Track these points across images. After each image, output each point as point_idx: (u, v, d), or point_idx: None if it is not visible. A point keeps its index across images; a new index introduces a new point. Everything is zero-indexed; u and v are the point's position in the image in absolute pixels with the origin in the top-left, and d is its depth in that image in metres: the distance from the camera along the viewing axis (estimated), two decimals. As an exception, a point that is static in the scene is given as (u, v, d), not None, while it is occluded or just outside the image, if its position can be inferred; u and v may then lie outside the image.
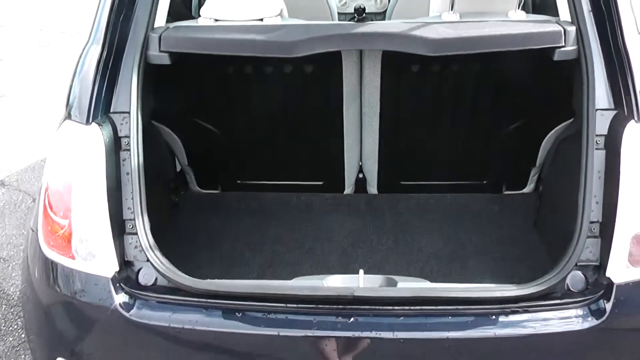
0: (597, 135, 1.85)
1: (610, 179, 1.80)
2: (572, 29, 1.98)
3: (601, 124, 1.86)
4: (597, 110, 1.88)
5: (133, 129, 1.90)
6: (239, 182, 2.71)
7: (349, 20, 4.26)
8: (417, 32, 1.97)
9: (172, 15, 2.29)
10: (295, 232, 2.56)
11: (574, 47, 1.98)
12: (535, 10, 2.36)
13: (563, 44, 1.97)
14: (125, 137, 1.90)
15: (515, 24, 2.03)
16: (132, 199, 1.86)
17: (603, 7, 1.97)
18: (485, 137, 2.47)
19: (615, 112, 1.87)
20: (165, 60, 2.04)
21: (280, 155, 2.59)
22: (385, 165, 2.56)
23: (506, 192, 2.69)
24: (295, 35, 2.00)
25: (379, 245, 2.47)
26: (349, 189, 2.68)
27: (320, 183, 2.68)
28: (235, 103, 2.42)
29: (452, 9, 2.09)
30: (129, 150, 1.88)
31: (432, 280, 2.15)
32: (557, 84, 2.24)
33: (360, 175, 2.66)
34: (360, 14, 4.19)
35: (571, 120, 2.29)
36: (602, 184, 1.82)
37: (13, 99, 5.54)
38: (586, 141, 1.87)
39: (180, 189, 2.73)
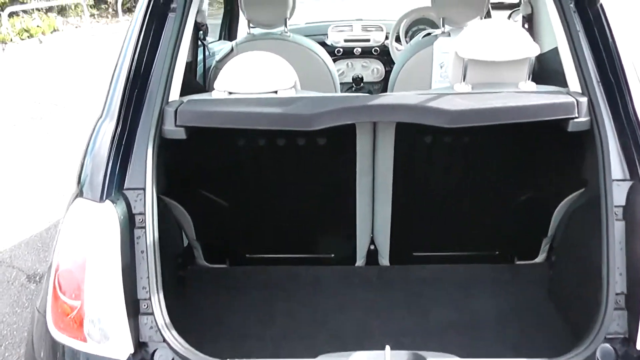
0: (615, 207, 1.85)
1: (632, 250, 1.79)
2: (584, 100, 1.99)
3: (618, 195, 1.87)
4: (613, 181, 1.89)
5: (148, 205, 1.87)
6: (247, 256, 2.65)
7: (347, 90, 4.35)
8: (433, 104, 1.97)
9: (184, 89, 2.29)
10: (306, 306, 2.49)
11: (587, 118, 1.99)
12: (542, 81, 2.39)
13: (576, 115, 1.98)
14: (140, 214, 1.85)
15: (528, 95, 2.03)
16: (148, 277, 1.80)
17: (611, 77, 2.00)
18: (497, 208, 2.45)
19: (631, 182, 1.87)
20: (181, 134, 2.02)
21: (290, 228, 2.54)
22: (397, 236, 2.52)
23: (518, 262, 2.65)
24: (313, 107, 1.99)
25: (393, 316, 2.41)
26: (360, 261, 2.63)
27: (331, 255, 2.63)
28: (246, 176, 2.39)
29: (464, 80, 2.10)
30: (143, 227, 1.84)
31: (454, 353, 2.09)
32: (567, 155, 2.24)
33: (372, 247, 2.61)
34: (358, 84, 4.29)
35: (582, 190, 2.28)
36: (624, 255, 1.81)
37: (3, 171, 5.50)
38: (605, 213, 1.87)
39: (187, 264, 2.66)
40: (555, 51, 2.48)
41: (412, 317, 2.39)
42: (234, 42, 3.24)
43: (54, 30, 15.31)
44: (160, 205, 2.30)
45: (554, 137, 2.13)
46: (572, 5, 2.11)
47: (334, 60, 4.29)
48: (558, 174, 2.33)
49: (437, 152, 2.27)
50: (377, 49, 4.31)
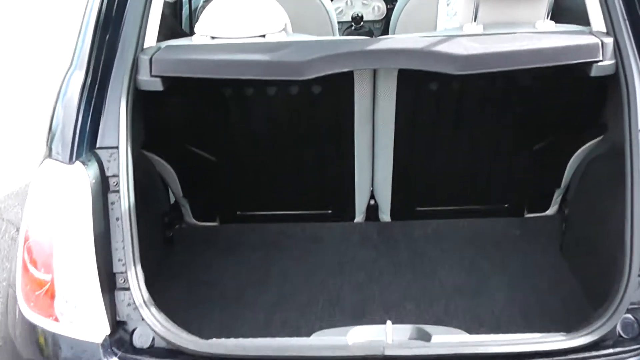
0: None
1: None
2: (609, 41, 1.77)
3: None
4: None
5: (123, 166, 1.68)
6: (239, 213, 2.48)
7: (346, 29, 4.09)
8: (440, 48, 1.76)
9: (163, 33, 2.07)
10: (302, 267, 2.34)
11: (612, 61, 1.78)
12: (563, 19, 2.16)
13: (601, 58, 1.77)
14: (114, 176, 1.67)
15: (547, 36, 1.82)
16: (124, 248, 1.63)
17: None
18: (508, 158, 2.27)
19: None
20: (157, 86, 1.82)
21: (284, 183, 2.37)
22: (399, 190, 2.34)
23: (528, 215, 2.48)
24: (305, 54, 1.78)
25: (396, 279, 2.25)
26: (359, 217, 2.46)
27: (329, 211, 2.46)
28: (234, 128, 2.20)
29: (475, 20, 1.88)
30: (118, 191, 1.66)
31: (460, 321, 1.94)
32: (587, 99, 2.04)
33: (372, 202, 2.44)
34: (358, 22, 4.01)
35: (601, 137, 2.09)
36: None
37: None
38: (630, 167, 1.68)
39: (175, 223, 2.50)
40: None
41: (416, 280, 2.23)
42: None
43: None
44: (143, 161, 2.13)
45: (573, 81, 1.92)
46: None
47: None
48: (575, 119, 2.13)
49: (444, 100, 2.07)
50: None
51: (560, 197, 2.41)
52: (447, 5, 2.75)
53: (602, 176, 2.05)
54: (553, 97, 2.05)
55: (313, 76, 1.77)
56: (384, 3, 4.03)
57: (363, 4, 4.05)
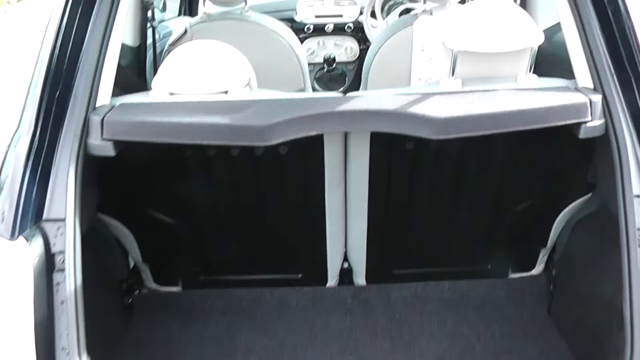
0: (638, 229, 1.52)
1: None
2: (597, 99, 1.63)
3: None
4: (635, 197, 1.55)
5: (70, 241, 1.51)
6: (202, 277, 2.29)
7: (318, 71, 3.95)
8: (416, 109, 1.61)
9: (121, 85, 1.90)
10: (270, 337, 2.15)
11: (601, 121, 1.64)
12: (545, 69, 2.02)
13: (589, 118, 1.63)
14: (60, 252, 1.50)
15: (531, 94, 1.67)
16: (68, 335, 1.45)
17: (628, 67, 1.65)
18: (490, 218, 2.11)
19: None
20: (109, 150, 1.65)
21: (249, 246, 2.19)
22: (374, 252, 2.17)
23: (512, 276, 2.33)
24: (269, 116, 1.62)
25: (372, 350, 2.08)
26: (332, 280, 2.29)
27: (299, 276, 2.28)
28: (195, 190, 2.01)
29: (452, 74, 1.74)
30: (64, 270, 1.48)
31: None
32: (572, 158, 1.90)
33: (346, 265, 2.27)
34: (330, 64, 3.87)
35: (589, 195, 1.95)
36: None
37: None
38: (625, 236, 1.55)
39: (135, 288, 2.30)
40: (557, 28, 2.12)
41: (395, 351, 2.06)
42: (188, 23, 2.82)
43: None
44: (99, 225, 1.96)
45: (559, 141, 1.79)
46: None
47: (304, 39, 3.89)
48: (561, 178, 1.99)
49: (420, 160, 1.91)
50: (351, 25, 3.89)
51: (546, 256, 2.26)
52: (422, 50, 2.62)
53: (592, 237, 1.91)
54: (537, 156, 1.91)
55: (278, 141, 1.61)
56: (357, 44, 3.91)
57: (335, 44, 3.92)
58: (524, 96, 1.67)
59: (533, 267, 2.30)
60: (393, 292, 2.29)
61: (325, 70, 3.88)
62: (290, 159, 1.85)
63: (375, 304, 2.26)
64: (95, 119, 1.63)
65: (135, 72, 2.66)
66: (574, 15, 1.74)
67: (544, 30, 2.49)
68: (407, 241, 2.17)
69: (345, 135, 1.83)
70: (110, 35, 1.77)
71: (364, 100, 1.69)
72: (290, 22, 3.90)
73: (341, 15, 3.91)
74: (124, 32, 2.52)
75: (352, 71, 3.90)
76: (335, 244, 2.15)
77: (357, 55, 3.89)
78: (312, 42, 3.90)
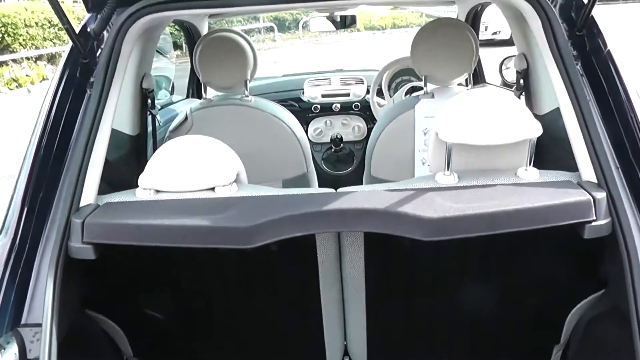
0: None
1: None
2: (601, 197, 1.55)
3: None
4: None
5: (45, 347, 1.44)
6: None
7: (326, 151, 3.91)
8: (409, 209, 1.52)
9: (109, 182, 1.87)
10: None
11: (607, 220, 1.55)
12: (543, 148, 1.93)
13: (594, 217, 1.54)
14: (35, 359, 1.43)
15: (531, 190, 1.58)
16: None
17: (633, 160, 1.57)
18: (497, 313, 2.00)
19: None
20: (89, 254, 1.59)
21: (243, 343, 2.09)
22: (376, 345, 2.06)
23: None
24: (254, 216, 1.55)
25: None
26: None
27: None
28: (184, 287, 1.94)
29: (447, 168, 1.66)
30: None
31: None
32: (580, 256, 1.80)
33: (347, 359, 2.15)
34: (337, 144, 3.83)
35: (602, 292, 1.83)
36: None
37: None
38: None
39: None
40: (557, 113, 2.06)
41: None
42: (188, 109, 2.81)
43: (43, 79, 15.07)
44: (87, 322, 1.88)
45: (564, 239, 1.69)
46: (578, 67, 1.70)
47: (311, 118, 3.88)
48: (571, 276, 1.88)
49: (418, 259, 1.81)
50: (358, 104, 3.88)
51: (560, 352, 2.12)
52: (424, 134, 2.57)
53: (606, 338, 1.78)
54: (542, 254, 1.80)
55: (263, 243, 1.53)
56: (364, 123, 3.89)
57: (343, 124, 3.90)
58: (523, 193, 1.57)
59: None
60: None
61: (332, 150, 3.85)
62: (281, 256, 1.77)
63: None
64: (76, 222, 1.59)
65: (135, 162, 2.63)
66: (573, 104, 1.68)
67: (544, 115, 2.45)
68: (409, 333, 2.05)
69: (339, 235, 1.75)
70: (98, 130, 1.75)
71: (354, 198, 1.61)
72: (297, 101, 3.91)
73: (348, 94, 3.90)
74: (122, 121, 2.53)
75: (359, 151, 3.86)
76: (334, 339, 2.04)
77: (365, 134, 3.86)
78: (320, 122, 3.89)
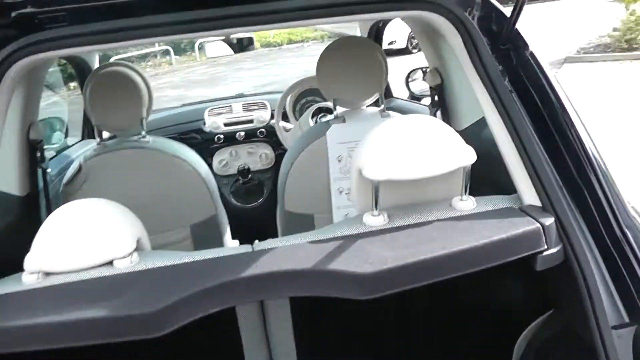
0: None
1: None
2: (549, 222, 1.38)
3: (622, 348, 1.30)
4: (612, 328, 1.31)
5: None
6: None
7: (234, 183, 3.65)
8: (337, 264, 1.29)
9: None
10: None
11: (559, 247, 1.38)
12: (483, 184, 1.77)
13: (545, 247, 1.37)
14: None
15: (473, 224, 1.39)
16: None
17: (578, 178, 1.42)
18: (443, 354, 1.81)
19: (635, 326, 1.32)
20: None
21: None
22: None
23: None
24: (161, 294, 1.28)
25: None
26: None
27: None
28: None
29: (376, 208, 1.46)
30: None
31: None
32: (529, 281, 1.63)
33: None
34: (245, 176, 3.57)
35: (550, 312, 1.67)
36: None
37: None
38: None
39: None
40: (477, 126, 1.90)
41: None
42: (81, 158, 2.47)
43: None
44: None
45: (514, 273, 1.52)
46: (506, 82, 1.53)
47: (215, 150, 3.61)
48: (517, 304, 1.72)
49: (354, 315, 1.59)
50: (263, 130, 3.63)
51: None
52: (339, 162, 2.37)
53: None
54: (488, 292, 1.63)
55: (172, 328, 1.26)
56: (271, 149, 3.65)
57: (249, 152, 3.65)
58: (465, 229, 1.38)
59: None
60: None
61: (240, 182, 3.59)
62: (199, 335, 1.51)
63: None
64: None
65: (28, 228, 2.27)
66: (505, 123, 1.51)
67: (464, 129, 2.30)
68: None
69: (262, 303, 1.50)
70: None
71: (275, 257, 1.36)
72: (199, 133, 3.63)
73: (252, 121, 3.66)
74: (8, 180, 2.16)
75: (269, 179, 3.62)
76: None
77: (273, 161, 3.63)
78: (224, 153, 3.62)
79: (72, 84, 4.33)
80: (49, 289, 1.36)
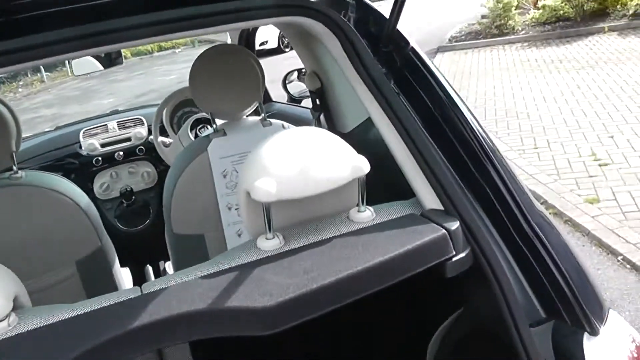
0: None
1: None
2: (456, 226, 1.33)
3: (542, 344, 1.28)
4: (530, 326, 1.29)
5: None
6: None
7: (117, 207, 3.47)
8: (238, 300, 1.20)
9: None
10: None
11: (467, 251, 1.34)
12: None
13: (453, 253, 1.32)
14: None
15: (375, 237, 1.32)
16: None
17: (477, 174, 1.40)
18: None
19: (552, 321, 1.31)
20: None
21: None
22: None
23: None
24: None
25: None
26: None
27: None
28: None
29: (270, 231, 1.37)
30: None
31: None
32: (439, 285, 1.60)
33: None
34: (128, 198, 3.40)
35: (460, 311, 1.64)
36: None
37: None
38: None
39: None
40: (362, 127, 1.86)
41: None
42: None
43: None
44: None
45: (424, 280, 1.48)
46: (392, 85, 1.49)
47: (94, 173, 3.41)
48: (427, 307, 1.69)
49: (261, 347, 1.50)
50: (142, 147, 3.46)
51: None
52: (224, 177, 2.28)
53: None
54: (397, 303, 1.59)
55: None
56: (152, 167, 3.49)
57: (130, 172, 3.47)
58: (368, 243, 1.30)
59: None
60: None
61: (125, 205, 3.41)
62: None
63: None
64: None
65: None
66: (395, 126, 1.46)
67: (350, 132, 2.27)
68: None
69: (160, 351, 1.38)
70: None
71: (167, 300, 1.24)
72: (76, 157, 3.41)
73: (129, 139, 3.47)
74: None
75: (154, 199, 3.46)
76: None
77: (156, 179, 3.47)
78: (105, 176, 3.42)
79: None
80: None
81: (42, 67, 21.28)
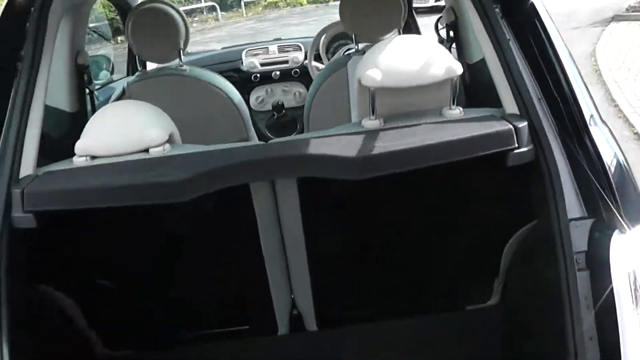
0: (576, 253, 1.51)
1: (603, 307, 1.44)
2: (523, 125, 1.63)
3: (579, 238, 1.53)
4: (570, 221, 1.54)
5: None
6: (153, 338, 2.22)
7: (269, 119, 3.95)
8: (335, 151, 1.59)
9: (52, 158, 1.88)
10: None
11: (529, 147, 1.63)
12: (476, 95, 2.01)
13: (516, 145, 1.62)
14: None
15: (455, 125, 1.67)
16: None
17: (555, 92, 1.65)
18: (437, 253, 2.08)
19: (592, 220, 1.54)
20: (30, 222, 1.64)
21: (194, 303, 2.13)
22: (321, 297, 2.12)
23: (468, 308, 2.28)
24: (186, 170, 1.60)
25: None
26: (283, 329, 2.23)
27: (247, 327, 2.22)
28: (131, 251, 1.97)
29: (373, 114, 1.72)
30: None
31: None
32: (511, 187, 1.88)
33: (295, 312, 2.21)
34: (279, 111, 3.88)
35: (534, 223, 1.92)
36: (592, 315, 1.46)
37: None
38: (564, 263, 1.53)
39: (82, 356, 2.21)
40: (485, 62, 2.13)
41: None
42: (125, 82, 2.81)
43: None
44: (36, 296, 1.90)
45: (492, 170, 1.77)
46: (497, 9, 1.76)
47: (252, 87, 3.91)
48: (503, 209, 1.97)
49: (352, 202, 1.89)
50: (297, 70, 3.92)
51: (501, 285, 2.22)
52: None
53: (536, 266, 1.88)
54: (473, 190, 1.89)
55: (193, 196, 1.59)
56: (304, 88, 3.93)
57: (283, 90, 3.94)
58: (447, 128, 1.65)
59: (489, 298, 2.26)
60: (346, 338, 2.23)
61: (275, 117, 3.88)
62: (219, 211, 1.82)
63: (328, 351, 2.20)
64: (16, 192, 1.63)
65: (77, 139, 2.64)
66: (495, 48, 1.74)
67: (474, 64, 2.52)
68: (352, 283, 2.12)
69: (273, 183, 1.81)
70: (30, 106, 1.76)
71: (284, 147, 1.68)
72: (237, 72, 3.93)
73: (287, 61, 3.94)
74: (59, 97, 2.52)
75: (302, 116, 3.90)
76: (280, 291, 2.09)
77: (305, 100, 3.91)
78: (261, 91, 3.92)
79: (120, 38, 4.67)
80: (95, 167, 1.71)
81: (217, 6, 22.65)
